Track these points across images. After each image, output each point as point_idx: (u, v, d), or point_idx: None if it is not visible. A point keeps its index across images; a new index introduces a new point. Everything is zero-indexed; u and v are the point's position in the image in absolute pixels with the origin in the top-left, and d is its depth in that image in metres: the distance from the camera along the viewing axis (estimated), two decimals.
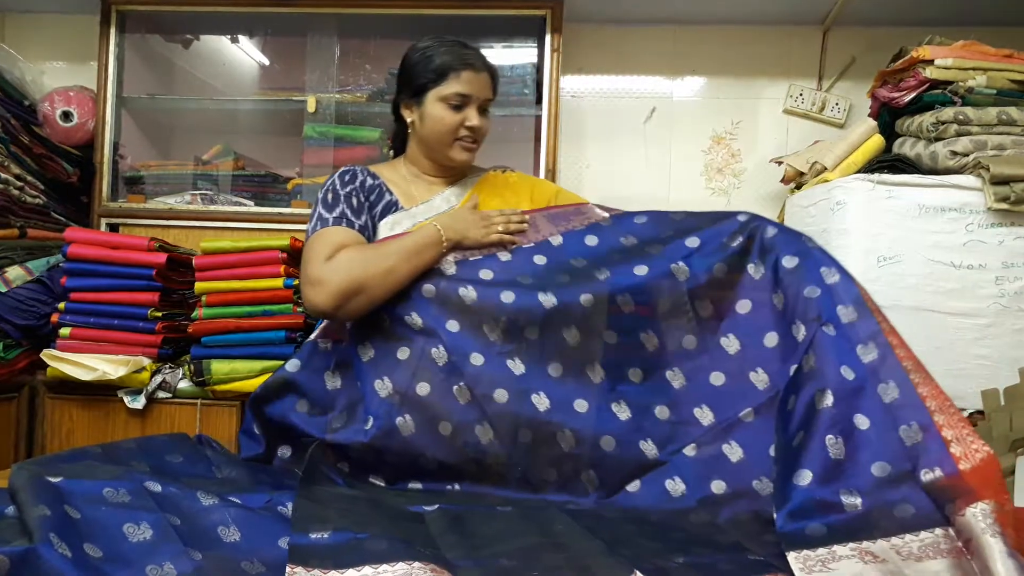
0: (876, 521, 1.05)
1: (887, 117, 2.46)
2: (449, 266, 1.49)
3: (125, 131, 2.80)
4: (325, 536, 1.04)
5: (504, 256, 1.52)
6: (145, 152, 2.92)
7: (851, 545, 1.02)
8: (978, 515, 1.00)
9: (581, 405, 1.37)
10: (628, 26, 2.95)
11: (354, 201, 1.58)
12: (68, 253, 2.09)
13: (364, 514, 1.15)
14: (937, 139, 2.19)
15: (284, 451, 1.52)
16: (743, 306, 1.39)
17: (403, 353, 1.43)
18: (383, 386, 1.42)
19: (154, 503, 1.10)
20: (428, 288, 1.46)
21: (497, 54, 2.82)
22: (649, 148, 2.97)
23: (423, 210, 1.64)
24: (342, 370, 1.51)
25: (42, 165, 2.57)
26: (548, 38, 2.65)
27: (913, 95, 2.30)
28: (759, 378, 1.33)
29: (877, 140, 2.40)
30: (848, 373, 1.19)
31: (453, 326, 1.43)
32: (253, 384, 2.04)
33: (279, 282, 2.09)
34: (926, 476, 1.07)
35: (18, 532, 0.97)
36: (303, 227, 2.25)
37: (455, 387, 1.39)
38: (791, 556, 1.02)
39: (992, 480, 1.04)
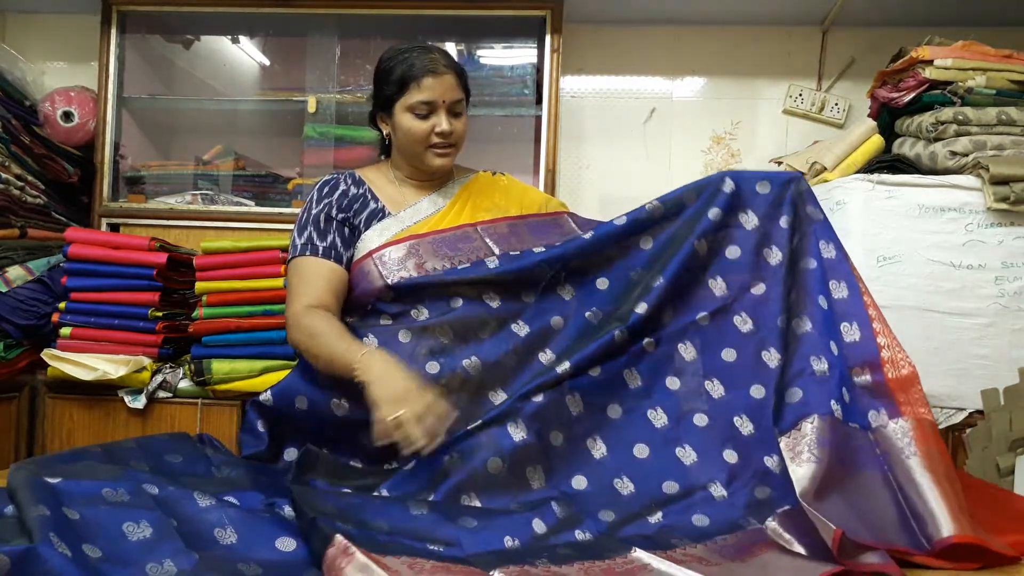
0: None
1: (887, 117, 2.46)
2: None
3: (126, 131, 2.80)
4: (351, 528, 1.05)
5: (491, 262, 1.55)
6: (146, 152, 2.91)
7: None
8: (898, 432, 1.29)
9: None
10: (628, 26, 2.95)
11: (322, 221, 1.60)
12: (69, 253, 2.08)
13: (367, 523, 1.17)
14: (936, 139, 2.19)
15: (290, 453, 1.54)
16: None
17: (405, 336, 1.49)
18: None
19: (153, 502, 1.10)
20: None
21: (497, 54, 2.83)
22: (649, 148, 2.98)
23: (410, 214, 1.65)
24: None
25: (43, 165, 2.57)
26: (548, 38, 2.65)
27: (912, 95, 2.30)
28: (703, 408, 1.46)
29: (876, 140, 2.40)
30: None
31: (457, 303, 1.52)
32: (254, 384, 2.05)
33: (279, 282, 2.08)
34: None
35: (17, 532, 0.98)
36: None
37: (464, 361, 1.45)
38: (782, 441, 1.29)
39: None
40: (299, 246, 1.58)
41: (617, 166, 2.98)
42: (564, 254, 1.54)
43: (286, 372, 1.96)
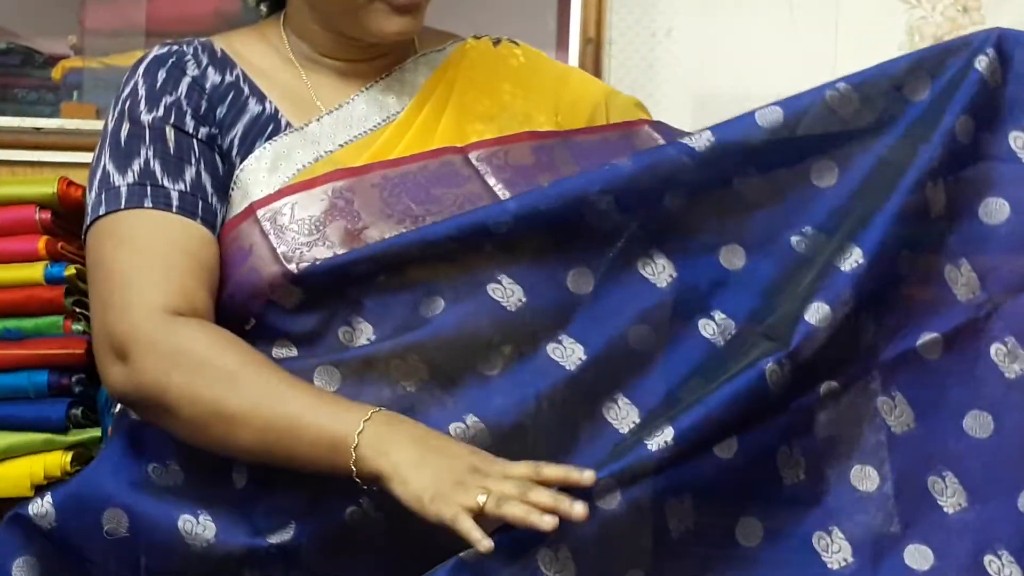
0: None
1: None
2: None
3: None
4: None
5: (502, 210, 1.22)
6: None
7: None
8: None
9: None
10: None
11: (168, 137, 1.18)
12: None
13: None
14: None
15: None
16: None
17: (326, 381, 1.22)
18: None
19: None
20: None
21: None
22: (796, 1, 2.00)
23: (331, 128, 1.22)
24: (179, 453, 1.12)
25: None
26: None
27: None
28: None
29: None
30: None
31: (435, 306, 1.26)
32: None
33: (36, 270, 1.52)
34: None
35: None
36: (86, 158, 1.53)
37: (453, 428, 1.22)
38: None
39: None
40: (122, 190, 1.16)
41: (729, 39, 2.00)
42: (652, 184, 1.16)
43: (54, 457, 1.58)
